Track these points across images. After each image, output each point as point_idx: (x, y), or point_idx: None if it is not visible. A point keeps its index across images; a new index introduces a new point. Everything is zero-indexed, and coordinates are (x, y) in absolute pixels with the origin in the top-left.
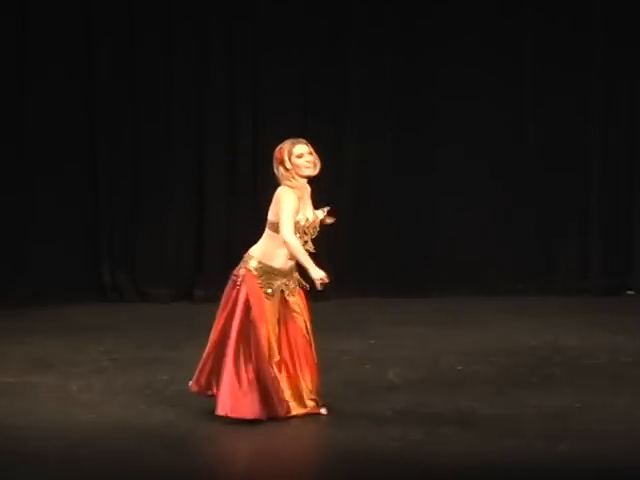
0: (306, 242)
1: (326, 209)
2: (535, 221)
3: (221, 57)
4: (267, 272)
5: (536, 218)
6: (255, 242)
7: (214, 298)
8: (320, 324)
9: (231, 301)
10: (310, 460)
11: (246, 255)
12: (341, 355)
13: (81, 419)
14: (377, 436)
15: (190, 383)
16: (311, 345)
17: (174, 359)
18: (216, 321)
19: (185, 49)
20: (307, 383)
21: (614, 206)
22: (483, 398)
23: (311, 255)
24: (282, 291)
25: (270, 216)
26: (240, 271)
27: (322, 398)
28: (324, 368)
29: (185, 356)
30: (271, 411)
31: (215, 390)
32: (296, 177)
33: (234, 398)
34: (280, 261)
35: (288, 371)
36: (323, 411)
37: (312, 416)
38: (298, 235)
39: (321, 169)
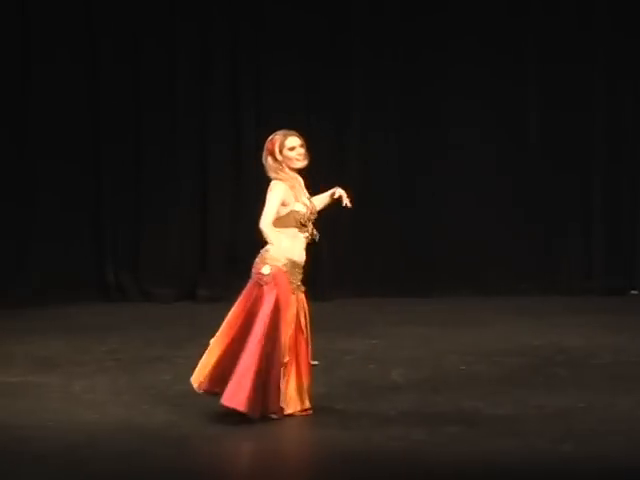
0: (311, 232)
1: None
2: (538, 221)
3: (224, 57)
4: (292, 267)
5: (539, 218)
6: (258, 242)
7: (217, 298)
8: (322, 324)
9: (252, 299)
10: (313, 460)
11: (265, 253)
12: (344, 355)
13: (84, 419)
14: (380, 436)
15: (197, 382)
16: (308, 344)
17: (177, 359)
18: (232, 318)
19: (188, 49)
20: (304, 381)
21: (617, 206)
22: (486, 398)
23: (314, 248)
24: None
25: None
26: (265, 269)
27: (315, 398)
28: (327, 368)
29: (188, 356)
30: (265, 410)
31: (222, 385)
32: (286, 169)
33: (243, 392)
34: (299, 254)
35: (293, 369)
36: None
37: (307, 414)
38: (297, 226)
39: (324, 168)
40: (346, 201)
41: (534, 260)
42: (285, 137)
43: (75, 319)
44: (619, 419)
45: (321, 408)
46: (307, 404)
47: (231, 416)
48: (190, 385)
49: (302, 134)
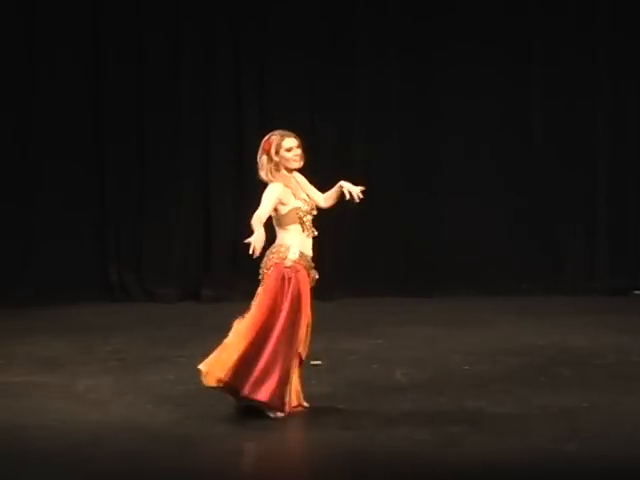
0: (309, 229)
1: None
2: (542, 221)
3: (228, 56)
4: (304, 259)
5: (543, 218)
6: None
7: (221, 298)
8: (326, 324)
9: (274, 294)
10: (316, 460)
11: (280, 247)
12: (347, 355)
13: (88, 418)
14: (384, 436)
15: (215, 379)
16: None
17: (181, 359)
18: (257, 313)
19: (192, 48)
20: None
21: (621, 206)
22: (490, 398)
23: (317, 248)
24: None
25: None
26: (286, 262)
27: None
28: (330, 368)
29: (192, 356)
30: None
31: (245, 379)
32: (282, 170)
33: (268, 384)
34: (308, 248)
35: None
36: (306, 404)
37: (300, 411)
38: (300, 222)
39: (327, 167)
40: (356, 190)
41: (538, 260)
42: (282, 138)
43: (78, 319)
44: (623, 419)
45: (324, 408)
46: (301, 401)
47: (234, 416)
48: (194, 385)
49: (305, 134)
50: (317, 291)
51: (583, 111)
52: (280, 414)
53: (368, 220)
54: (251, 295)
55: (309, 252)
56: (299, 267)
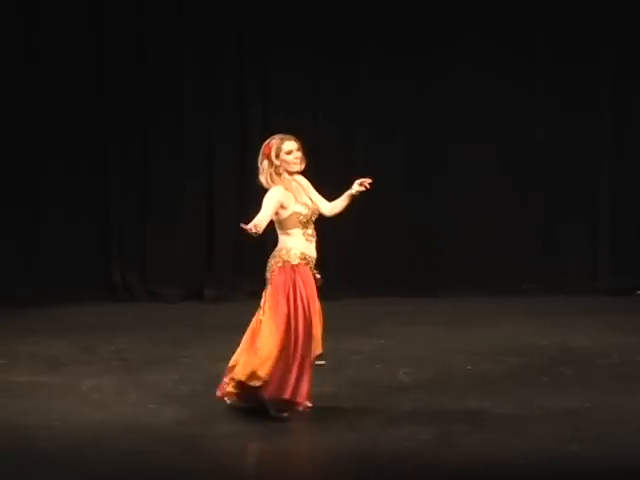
0: (310, 231)
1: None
2: (545, 221)
3: (231, 57)
4: (310, 262)
5: (546, 218)
6: (263, 243)
7: (224, 298)
8: (329, 324)
9: (287, 294)
10: (319, 459)
11: (281, 250)
12: (351, 355)
13: (91, 418)
14: (387, 436)
15: (265, 373)
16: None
17: (184, 359)
18: (275, 317)
19: (195, 49)
20: None
21: (624, 206)
22: (493, 398)
23: (320, 248)
24: None
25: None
26: (292, 261)
27: (322, 398)
28: (334, 368)
29: (195, 356)
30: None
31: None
32: (284, 173)
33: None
34: (311, 251)
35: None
36: (309, 404)
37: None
38: (301, 226)
39: (330, 168)
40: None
41: (540, 260)
42: (282, 141)
43: (81, 319)
44: (626, 419)
45: (328, 408)
46: None
47: (238, 416)
48: (198, 384)
49: (308, 134)
50: (322, 291)
51: (586, 111)
52: (285, 414)
53: (371, 220)
54: (254, 295)
55: (312, 254)
56: (303, 267)
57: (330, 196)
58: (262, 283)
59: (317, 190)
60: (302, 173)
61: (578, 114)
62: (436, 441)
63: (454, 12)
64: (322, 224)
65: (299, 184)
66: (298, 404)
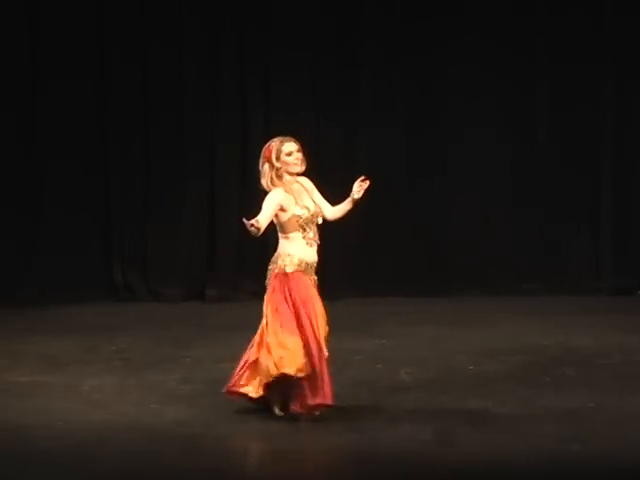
0: (311, 235)
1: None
2: (547, 221)
3: (232, 57)
4: (306, 267)
5: (548, 218)
6: (265, 243)
7: (225, 298)
8: (330, 324)
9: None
10: (321, 459)
11: (279, 257)
12: (352, 355)
13: (92, 418)
14: (388, 436)
15: (296, 368)
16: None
17: (185, 359)
18: (280, 318)
19: (196, 49)
20: None
21: (626, 206)
22: (494, 398)
23: (322, 248)
24: None
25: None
26: (287, 270)
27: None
28: (335, 368)
29: (197, 356)
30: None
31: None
32: (285, 176)
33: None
34: (310, 255)
35: None
36: None
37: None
38: (301, 229)
39: (332, 168)
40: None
41: (542, 260)
42: (282, 143)
43: (83, 319)
44: (628, 419)
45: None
46: None
47: (239, 416)
48: (199, 384)
49: (309, 134)
50: (324, 291)
51: (587, 111)
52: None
53: (372, 220)
54: (255, 295)
55: (311, 259)
56: (297, 274)
57: (330, 196)
58: (263, 283)
59: (319, 192)
60: (304, 174)
61: (579, 114)
62: (437, 441)
63: (454, 12)
64: (323, 224)
65: (302, 186)
66: (328, 406)
